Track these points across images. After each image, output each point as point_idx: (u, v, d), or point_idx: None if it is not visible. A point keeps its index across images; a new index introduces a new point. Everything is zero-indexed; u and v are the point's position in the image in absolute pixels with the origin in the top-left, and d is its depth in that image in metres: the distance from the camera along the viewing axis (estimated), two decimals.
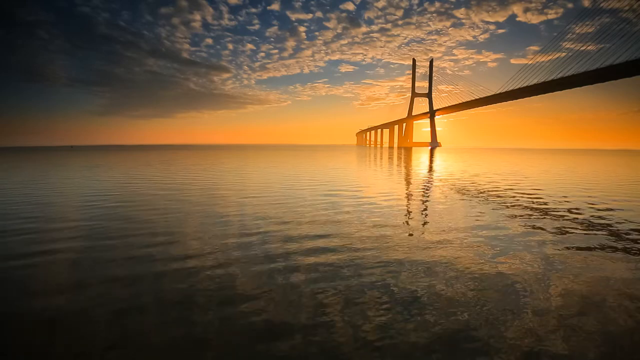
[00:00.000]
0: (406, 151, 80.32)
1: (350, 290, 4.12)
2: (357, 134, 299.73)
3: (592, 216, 8.59)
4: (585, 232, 6.98)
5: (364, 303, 3.78)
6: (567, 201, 10.92)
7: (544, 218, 8.33)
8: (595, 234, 6.79)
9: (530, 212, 8.97)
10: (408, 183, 15.94)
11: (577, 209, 9.59)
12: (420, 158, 44.88)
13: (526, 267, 4.91)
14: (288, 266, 4.94)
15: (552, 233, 6.86)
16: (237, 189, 13.44)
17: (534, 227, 7.37)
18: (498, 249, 5.81)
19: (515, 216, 8.49)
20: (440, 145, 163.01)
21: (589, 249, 5.84)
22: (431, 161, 38.08)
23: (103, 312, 3.61)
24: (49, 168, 26.58)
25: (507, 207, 9.80)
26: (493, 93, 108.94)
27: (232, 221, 7.84)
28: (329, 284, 4.29)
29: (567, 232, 6.96)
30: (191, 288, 4.18)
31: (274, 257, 5.30)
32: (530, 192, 12.96)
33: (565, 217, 8.44)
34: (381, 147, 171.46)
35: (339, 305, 3.74)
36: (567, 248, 5.87)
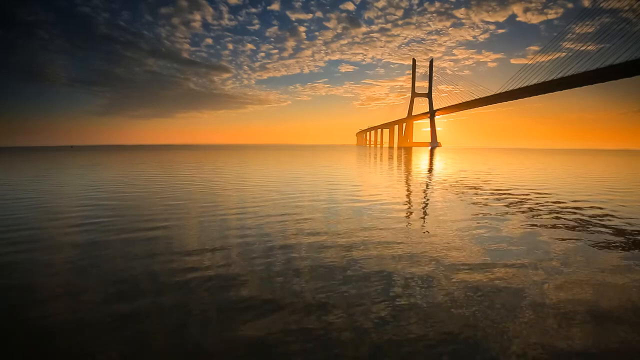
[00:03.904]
0: (407, 151, 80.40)
1: (352, 291, 4.23)
2: (357, 134, 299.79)
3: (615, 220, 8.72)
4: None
5: (368, 306, 3.86)
6: (585, 203, 11.04)
7: (561, 221, 8.46)
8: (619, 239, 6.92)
9: (542, 214, 9.11)
10: (417, 186, 16.08)
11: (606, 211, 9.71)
12: (423, 159, 44.98)
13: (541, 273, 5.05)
14: (293, 269, 5.07)
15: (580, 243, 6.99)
16: (241, 191, 13.56)
17: (547, 228, 7.52)
18: (514, 252, 5.95)
19: (527, 217, 8.63)
20: (440, 145, 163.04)
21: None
22: (432, 162, 38.17)
23: (102, 312, 3.69)
24: (54, 168, 26.68)
25: (524, 211, 9.91)
26: (493, 93, 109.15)
27: (235, 223, 7.97)
28: (333, 286, 4.42)
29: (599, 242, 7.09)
30: (191, 288, 4.27)
31: (277, 258, 5.43)
32: (543, 194, 13.09)
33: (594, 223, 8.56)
34: (381, 147, 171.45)
35: (339, 306, 3.82)
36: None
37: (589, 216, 8.57)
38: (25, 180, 17.48)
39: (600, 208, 9.70)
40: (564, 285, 4.29)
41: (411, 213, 8.89)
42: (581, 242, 6.25)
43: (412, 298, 3.93)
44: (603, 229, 7.19)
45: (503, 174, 21.73)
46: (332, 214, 8.59)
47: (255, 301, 3.85)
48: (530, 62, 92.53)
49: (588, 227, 7.36)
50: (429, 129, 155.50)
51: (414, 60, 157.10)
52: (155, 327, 3.31)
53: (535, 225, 7.55)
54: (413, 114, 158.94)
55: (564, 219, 8.25)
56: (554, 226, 7.46)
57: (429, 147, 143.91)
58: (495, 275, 4.60)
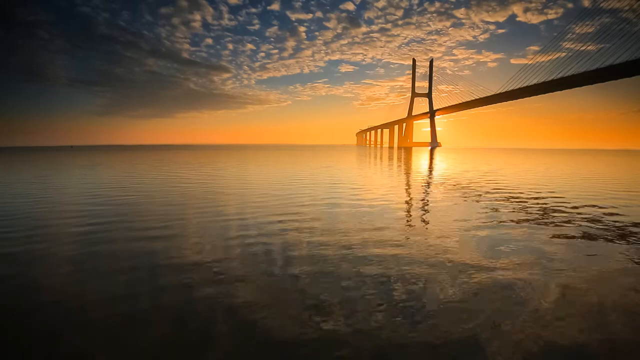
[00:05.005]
0: (407, 151, 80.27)
1: (351, 291, 4.15)
2: (357, 134, 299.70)
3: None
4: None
5: (367, 306, 3.81)
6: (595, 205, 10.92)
7: (560, 221, 8.34)
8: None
9: (546, 214, 9.00)
10: (423, 188, 15.98)
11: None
12: (424, 159, 44.88)
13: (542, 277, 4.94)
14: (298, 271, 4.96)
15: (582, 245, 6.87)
16: (242, 193, 13.45)
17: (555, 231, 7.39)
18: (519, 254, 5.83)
19: (530, 220, 8.51)
20: (440, 145, 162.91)
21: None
22: (433, 162, 38.10)
23: (102, 310, 3.68)
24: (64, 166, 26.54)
25: (539, 216, 9.80)
26: (493, 93, 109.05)
27: (236, 229, 7.84)
28: (332, 284, 4.32)
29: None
30: (192, 287, 4.24)
31: (279, 259, 5.33)
32: (556, 197, 12.97)
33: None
34: (381, 147, 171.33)
35: (338, 305, 3.79)
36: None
37: (607, 221, 8.46)
38: (24, 181, 17.35)
39: (616, 214, 9.59)
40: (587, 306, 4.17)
41: (420, 218, 8.77)
42: (603, 252, 6.14)
43: (424, 321, 3.81)
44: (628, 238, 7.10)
45: (508, 174, 21.59)
46: (337, 218, 8.45)
47: (261, 327, 3.69)
48: (530, 62, 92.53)
49: (611, 235, 7.25)
50: (429, 129, 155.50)
51: (414, 60, 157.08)
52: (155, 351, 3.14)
53: (560, 235, 7.37)
54: (413, 114, 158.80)
55: (587, 225, 8.13)
56: (581, 236, 7.33)
57: (429, 147, 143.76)
58: (519, 293, 4.45)
